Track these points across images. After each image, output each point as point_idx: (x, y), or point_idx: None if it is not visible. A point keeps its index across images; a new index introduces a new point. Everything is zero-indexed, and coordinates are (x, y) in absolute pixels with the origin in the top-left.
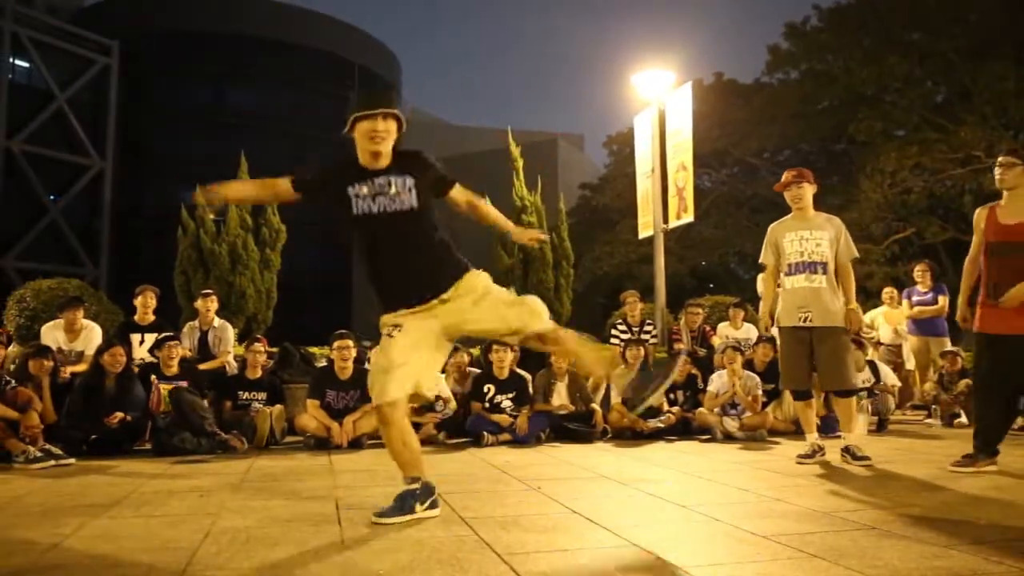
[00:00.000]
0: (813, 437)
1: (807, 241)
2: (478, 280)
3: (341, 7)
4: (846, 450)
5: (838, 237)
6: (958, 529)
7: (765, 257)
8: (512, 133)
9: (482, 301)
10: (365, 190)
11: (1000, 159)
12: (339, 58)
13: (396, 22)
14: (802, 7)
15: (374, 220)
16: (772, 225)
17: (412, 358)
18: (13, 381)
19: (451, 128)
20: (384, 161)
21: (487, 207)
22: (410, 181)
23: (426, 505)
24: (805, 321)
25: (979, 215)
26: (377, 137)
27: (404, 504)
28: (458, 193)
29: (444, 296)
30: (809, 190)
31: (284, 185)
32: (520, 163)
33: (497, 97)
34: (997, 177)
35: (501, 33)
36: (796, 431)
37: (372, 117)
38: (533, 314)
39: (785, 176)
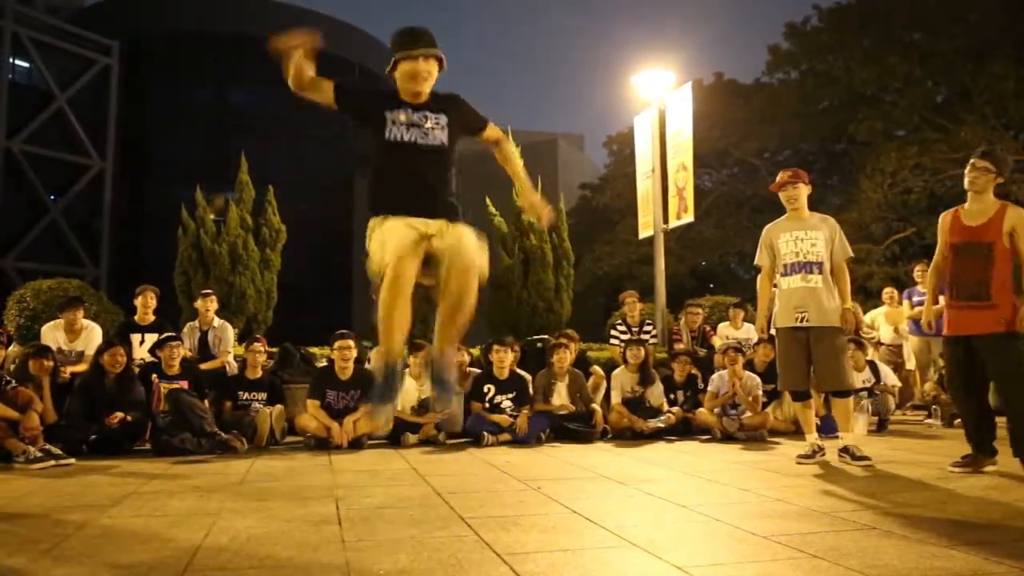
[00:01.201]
0: (813, 437)
1: (802, 241)
2: (464, 231)
3: (341, 7)
4: (844, 450)
5: (833, 237)
6: (958, 529)
7: (760, 259)
8: (512, 133)
9: (461, 241)
10: (402, 117)
11: (975, 161)
12: (339, 58)
13: (396, 22)
14: (802, 7)
15: (402, 148)
16: (767, 226)
17: (410, 244)
18: (13, 381)
19: None
20: (423, 99)
21: (514, 152)
22: (444, 119)
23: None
24: (802, 321)
25: (943, 219)
26: (419, 77)
27: (390, 381)
28: (491, 131)
29: (431, 225)
30: (804, 191)
31: (327, 86)
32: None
33: (497, 97)
34: (969, 178)
35: (501, 33)
36: (796, 431)
37: (414, 59)
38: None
39: (780, 177)
